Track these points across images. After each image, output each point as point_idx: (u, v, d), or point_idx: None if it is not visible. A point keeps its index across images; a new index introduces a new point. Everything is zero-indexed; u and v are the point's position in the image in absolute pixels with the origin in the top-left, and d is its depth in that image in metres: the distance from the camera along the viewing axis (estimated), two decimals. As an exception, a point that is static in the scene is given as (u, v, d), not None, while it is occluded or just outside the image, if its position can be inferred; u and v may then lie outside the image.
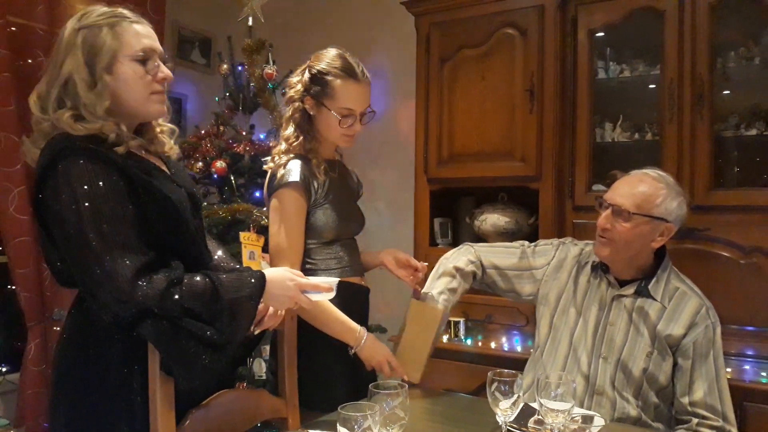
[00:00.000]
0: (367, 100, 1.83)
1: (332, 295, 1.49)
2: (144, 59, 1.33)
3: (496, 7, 2.77)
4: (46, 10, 2.80)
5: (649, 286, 1.75)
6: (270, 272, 1.43)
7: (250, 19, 3.02)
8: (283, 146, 1.84)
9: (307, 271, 1.75)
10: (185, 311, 1.25)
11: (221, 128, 2.98)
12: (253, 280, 1.36)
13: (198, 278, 1.30)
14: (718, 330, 1.72)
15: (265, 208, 2.65)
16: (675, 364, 1.71)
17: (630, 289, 1.77)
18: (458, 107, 2.87)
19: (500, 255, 1.99)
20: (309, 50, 1.88)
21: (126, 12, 1.35)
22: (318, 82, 1.79)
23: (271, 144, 2.89)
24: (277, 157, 1.82)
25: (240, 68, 3.07)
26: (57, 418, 1.37)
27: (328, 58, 1.81)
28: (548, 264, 1.94)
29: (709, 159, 2.39)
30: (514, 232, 2.83)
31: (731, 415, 1.66)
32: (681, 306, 1.72)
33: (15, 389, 2.87)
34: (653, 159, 2.50)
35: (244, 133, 2.96)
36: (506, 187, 2.88)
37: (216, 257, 1.59)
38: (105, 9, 1.34)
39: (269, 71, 2.96)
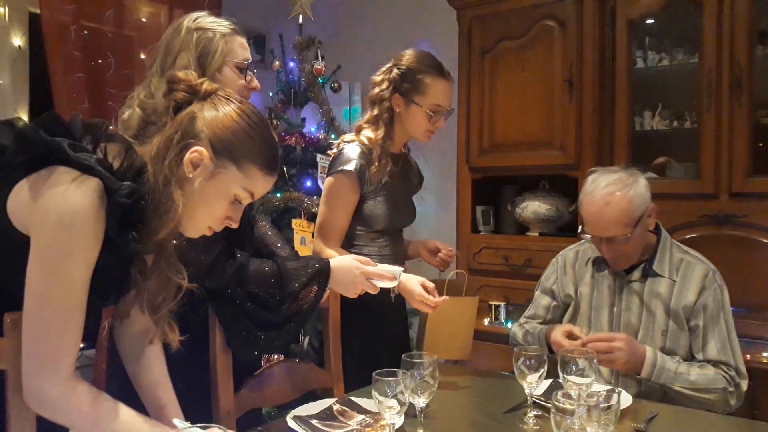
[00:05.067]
0: (452, 98, 1.90)
1: (396, 283, 1.57)
2: (243, 68, 1.48)
3: (535, -1, 2.84)
4: (114, 15, 3.03)
5: (654, 266, 1.79)
6: (336, 260, 1.54)
7: (300, 17, 3.17)
8: (355, 136, 1.89)
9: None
10: (250, 295, 1.39)
11: (274, 122, 3.15)
12: (318, 266, 1.48)
13: (266, 265, 1.44)
14: (725, 292, 1.77)
15: (315, 197, 2.82)
16: (690, 330, 1.76)
17: (637, 274, 1.81)
18: (499, 98, 2.95)
19: (532, 309, 2.04)
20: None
21: (234, 25, 1.48)
22: (408, 80, 1.84)
23: (322, 137, 3.04)
24: (342, 144, 1.91)
25: (291, 64, 3.23)
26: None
27: (417, 56, 1.86)
28: (557, 278, 1.98)
29: (748, 146, 2.40)
30: (555, 220, 2.91)
31: (743, 369, 1.72)
32: (689, 275, 1.77)
33: (91, 363, 3.14)
34: (691, 147, 2.53)
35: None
36: (548, 175, 2.95)
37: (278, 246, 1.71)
38: (218, 18, 1.46)
39: (318, 67, 3.12)
